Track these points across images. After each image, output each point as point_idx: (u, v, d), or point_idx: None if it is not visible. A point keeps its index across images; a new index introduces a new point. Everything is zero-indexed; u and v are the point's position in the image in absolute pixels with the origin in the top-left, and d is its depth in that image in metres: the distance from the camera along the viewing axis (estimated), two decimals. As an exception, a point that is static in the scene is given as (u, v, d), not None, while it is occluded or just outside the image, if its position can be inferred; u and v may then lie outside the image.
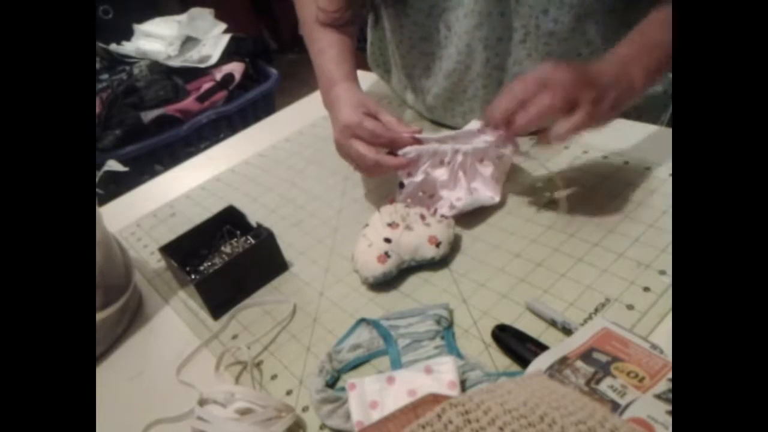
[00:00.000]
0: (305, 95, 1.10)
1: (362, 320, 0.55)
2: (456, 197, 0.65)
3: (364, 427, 0.39)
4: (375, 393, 0.46)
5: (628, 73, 0.57)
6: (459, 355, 0.49)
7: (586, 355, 0.44)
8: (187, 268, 0.68)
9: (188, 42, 2.02)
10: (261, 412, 0.46)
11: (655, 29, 0.60)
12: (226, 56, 2.00)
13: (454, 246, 0.62)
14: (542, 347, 0.47)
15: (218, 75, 1.96)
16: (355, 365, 0.52)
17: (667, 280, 0.51)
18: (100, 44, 1.98)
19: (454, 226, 0.63)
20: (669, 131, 0.72)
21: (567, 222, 0.62)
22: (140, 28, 2.05)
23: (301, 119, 1.03)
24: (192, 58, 1.98)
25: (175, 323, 0.64)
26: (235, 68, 1.98)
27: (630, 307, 0.50)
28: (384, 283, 0.60)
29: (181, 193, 0.91)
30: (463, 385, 0.45)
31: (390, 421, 0.35)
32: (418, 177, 0.65)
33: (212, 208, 0.77)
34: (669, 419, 0.37)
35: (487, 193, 0.66)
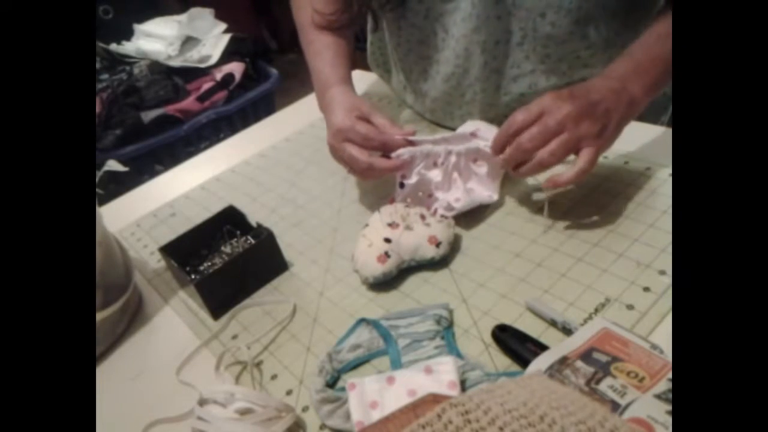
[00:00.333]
0: (305, 95, 1.09)
1: (362, 320, 0.55)
2: (455, 198, 0.65)
3: (364, 427, 0.39)
4: (375, 393, 0.46)
5: (628, 90, 0.57)
6: (459, 355, 0.49)
7: (586, 355, 0.44)
8: (187, 268, 0.68)
9: (188, 42, 2.02)
10: (261, 412, 0.46)
11: (655, 42, 0.60)
12: (226, 56, 2.00)
13: (454, 246, 0.62)
14: (542, 347, 0.47)
15: (218, 75, 1.96)
16: (355, 365, 0.52)
17: (667, 280, 0.51)
18: (100, 44, 1.98)
19: (454, 226, 0.63)
20: (669, 131, 0.73)
21: (567, 222, 0.62)
22: (140, 28, 2.05)
23: (301, 119, 1.03)
24: (192, 58, 1.98)
25: (175, 323, 0.64)
26: (235, 68, 1.98)
27: (630, 307, 0.50)
28: (384, 283, 0.60)
29: (181, 193, 0.91)
30: (463, 385, 0.45)
31: (390, 421, 0.35)
32: (413, 179, 0.65)
33: (212, 208, 0.77)
34: (669, 419, 0.37)
35: (484, 192, 0.66)
